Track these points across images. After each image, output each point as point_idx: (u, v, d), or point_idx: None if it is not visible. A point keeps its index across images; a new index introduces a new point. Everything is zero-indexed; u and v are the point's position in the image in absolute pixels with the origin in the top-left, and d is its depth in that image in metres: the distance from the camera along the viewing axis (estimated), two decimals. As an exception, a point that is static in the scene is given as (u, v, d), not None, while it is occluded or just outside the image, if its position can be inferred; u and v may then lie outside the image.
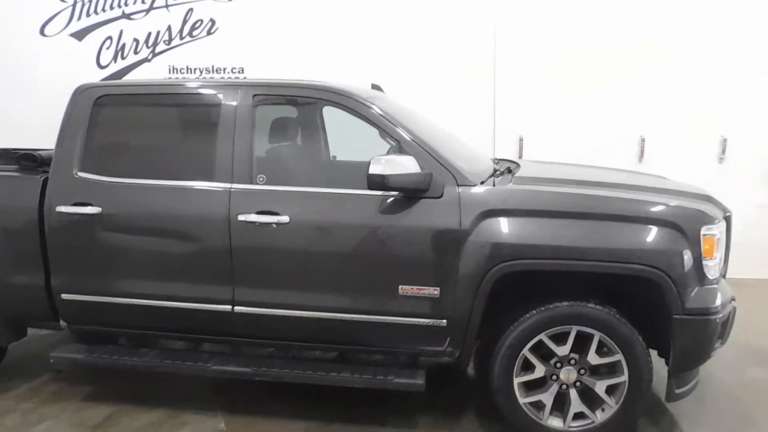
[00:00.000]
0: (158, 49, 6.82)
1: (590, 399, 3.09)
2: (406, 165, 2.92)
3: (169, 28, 6.75)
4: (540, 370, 3.08)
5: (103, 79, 6.92)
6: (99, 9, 6.85)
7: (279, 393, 3.75)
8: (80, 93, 3.48)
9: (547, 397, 3.10)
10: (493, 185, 3.12)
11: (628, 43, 6.00)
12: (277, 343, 3.41)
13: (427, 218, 3.02)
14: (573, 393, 3.08)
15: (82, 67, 6.92)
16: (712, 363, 3.79)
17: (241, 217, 3.13)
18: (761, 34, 5.90)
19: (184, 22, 6.71)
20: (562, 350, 3.03)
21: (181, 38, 6.75)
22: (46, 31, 6.94)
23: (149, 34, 6.80)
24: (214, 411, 3.56)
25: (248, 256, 3.18)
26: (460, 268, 2.99)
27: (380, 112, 3.18)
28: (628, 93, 6.00)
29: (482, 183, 3.14)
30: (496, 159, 3.91)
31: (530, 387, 3.14)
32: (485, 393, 3.30)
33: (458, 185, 3.04)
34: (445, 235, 3.00)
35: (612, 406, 3.06)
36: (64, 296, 3.41)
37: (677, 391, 3.09)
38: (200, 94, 3.51)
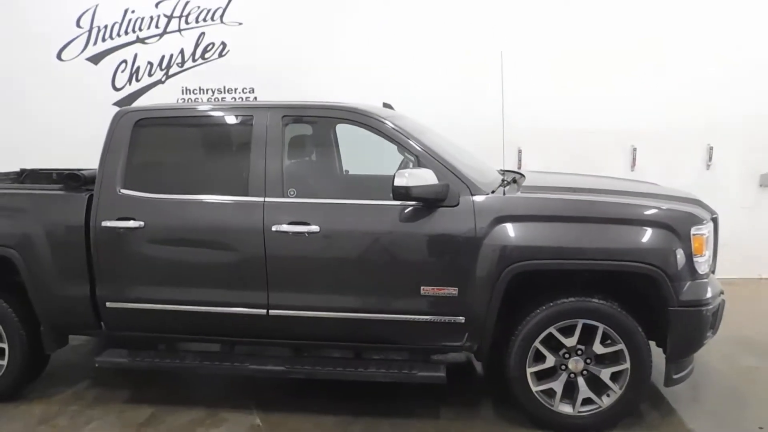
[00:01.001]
0: (171, 71, 7.14)
1: (596, 385, 3.40)
2: (426, 177, 3.24)
3: (182, 51, 7.08)
4: (551, 361, 3.39)
5: (118, 101, 7.25)
6: (114, 34, 7.17)
7: (309, 390, 4.05)
8: (121, 117, 3.77)
9: (558, 385, 3.41)
10: (504, 194, 3.45)
11: (621, 57, 6.36)
12: (308, 342, 3.69)
13: (445, 225, 3.34)
14: (581, 381, 3.39)
15: (97, 89, 7.23)
16: (706, 354, 4.16)
17: (274, 228, 3.43)
18: (749, 45, 6.28)
19: (197, 45, 7.05)
20: (570, 342, 3.35)
21: (194, 61, 7.08)
22: (63, 55, 7.26)
23: (163, 57, 7.13)
24: (248, 409, 3.83)
25: (282, 263, 3.47)
26: (477, 269, 3.31)
27: (401, 131, 3.51)
28: (620, 106, 6.36)
29: (493, 192, 3.46)
30: (502, 170, 4.24)
31: (541, 376, 3.44)
32: (500, 384, 3.60)
33: (472, 194, 3.37)
34: (461, 240, 3.32)
35: (616, 391, 3.37)
36: (108, 304, 3.69)
37: (675, 377, 3.41)
38: (233, 115, 3.81)
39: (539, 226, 3.31)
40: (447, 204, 3.34)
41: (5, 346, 3.85)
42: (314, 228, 3.41)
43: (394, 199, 3.29)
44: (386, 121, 3.54)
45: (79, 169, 3.95)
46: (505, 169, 4.27)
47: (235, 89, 7.02)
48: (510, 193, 3.47)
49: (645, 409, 3.71)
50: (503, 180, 3.82)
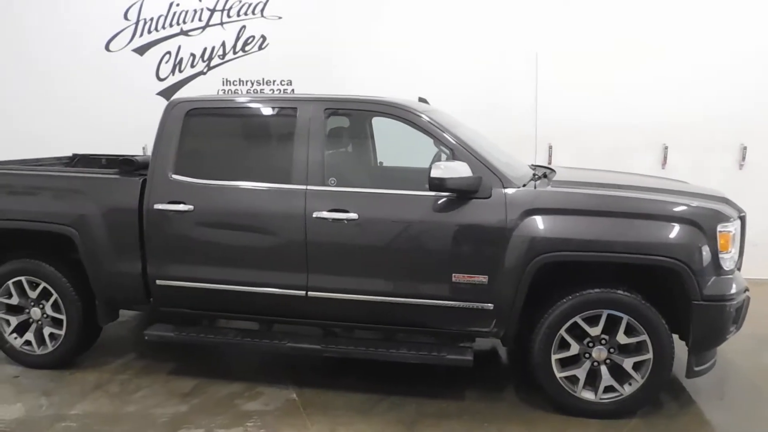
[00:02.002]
0: (213, 63, 7.40)
1: (618, 374, 3.54)
2: (460, 170, 3.41)
3: (223, 44, 7.33)
4: (575, 349, 3.54)
5: (161, 91, 7.55)
6: (159, 26, 7.45)
7: (339, 369, 4.28)
8: (173, 106, 4.01)
9: (581, 372, 3.56)
10: (535, 187, 3.60)
11: (654, 54, 6.40)
12: (343, 324, 3.89)
13: (477, 216, 3.51)
14: (604, 369, 3.54)
15: (142, 79, 7.53)
16: (729, 350, 4.24)
17: (315, 214, 3.64)
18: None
19: (238, 38, 7.29)
20: (595, 331, 3.50)
21: (235, 53, 7.33)
22: (111, 46, 7.57)
23: (205, 50, 7.39)
24: (284, 384, 4.06)
25: (321, 247, 3.68)
26: (506, 258, 3.47)
27: (437, 125, 3.68)
28: (651, 104, 6.40)
29: (524, 186, 3.61)
30: (533, 165, 4.38)
31: (565, 363, 3.59)
32: (524, 370, 3.77)
33: (504, 187, 3.53)
34: (493, 231, 3.48)
35: (638, 380, 3.51)
36: (158, 282, 3.94)
37: (696, 369, 3.53)
38: (278, 107, 4.02)
39: (568, 219, 3.45)
40: (480, 196, 3.51)
41: (63, 317, 4.14)
42: (353, 215, 3.60)
43: (430, 189, 3.47)
44: (423, 116, 3.71)
45: (132, 155, 4.21)
46: (537, 164, 4.40)
47: (274, 81, 7.25)
48: (541, 187, 3.62)
49: (665, 399, 3.83)
50: (534, 174, 3.96)
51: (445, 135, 3.66)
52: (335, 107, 3.87)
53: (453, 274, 3.56)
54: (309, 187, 3.70)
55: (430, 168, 3.42)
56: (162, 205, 3.86)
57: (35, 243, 4.35)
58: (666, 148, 6.39)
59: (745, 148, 6.29)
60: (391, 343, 3.86)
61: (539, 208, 3.46)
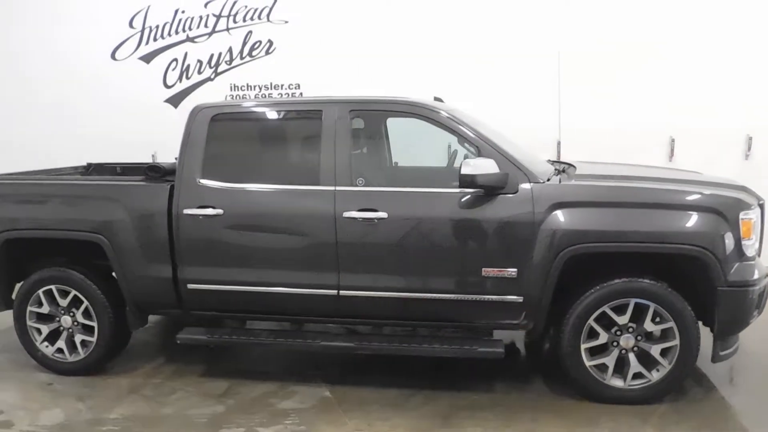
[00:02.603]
0: (220, 69, 7.46)
1: (646, 361, 3.64)
2: (488, 167, 3.50)
3: (230, 50, 7.40)
4: (603, 338, 3.63)
5: (169, 98, 7.60)
6: (165, 34, 7.51)
7: (367, 366, 4.35)
8: (198, 112, 4.07)
9: (610, 360, 3.65)
10: (559, 182, 3.69)
11: (658, 50, 6.51)
12: (375, 321, 3.97)
13: (505, 211, 3.60)
14: (632, 356, 3.63)
15: (149, 87, 7.59)
16: (748, 338, 4.34)
17: (345, 214, 3.72)
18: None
19: (244, 43, 7.35)
20: (622, 319, 3.59)
21: (242, 58, 7.39)
22: (117, 55, 7.62)
23: (212, 56, 7.45)
24: (316, 382, 4.13)
25: (352, 247, 3.75)
26: (534, 252, 3.56)
27: (464, 125, 3.76)
28: (658, 95, 6.52)
29: (548, 180, 3.71)
30: (551, 161, 4.47)
31: (593, 352, 3.69)
32: (550, 360, 3.86)
33: (530, 182, 3.62)
34: (521, 225, 3.57)
35: (666, 366, 3.60)
36: (189, 286, 4.00)
37: (721, 353, 3.64)
38: (303, 110, 4.10)
39: (594, 211, 3.55)
40: (507, 191, 3.60)
41: (94, 324, 4.19)
42: (382, 214, 3.68)
43: (461, 186, 3.56)
44: (451, 116, 3.79)
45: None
46: (553, 160, 4.49)
47: (282, 85, 7.32)
48: (566, 181, 3.71)
49: (688, 385, 3.93)
50: (555, 169, 4.06)
51: (471, 134, 3.74)
52: (360, 108, 3.94)
53: (483, 269, 3.64)
54: (338, 188, 3.77)
55: (460, 166, 3.50)
56: (191, 210, 3.92)
57: (63, 251, 4.41)
58: (673, 140, 6.50)
59: (750, 138, 6.42)
60: (424, 338, 3.94)
61: (566, 201, 3.56)
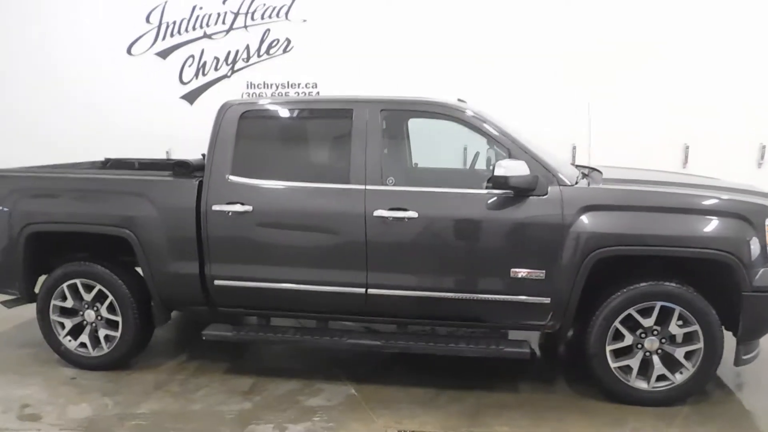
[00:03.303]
0: (237, 66, 7.49)
1: (670, 363, 3.68)
2: (520, 169, 3.54)
3: (247, 47, 7.43)
4: (629, 339, 3.67)
5: (185, 95, 7.62)
6: (182, 30, 7.53)
7: (391, 364, 4.38)
8: (227, 109, 4.09)
9: (635, 362, 3.70)
10: (588, 185, 3.73)
11: (674, 55, 6.58)
12: (402, 320, 4.00)
13: (534, 213, 3.63)
14: (656, 359, 3.68)
15: (165, 83, 7.62)
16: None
17: (376, 213, 3.74)
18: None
19: (262, 41, 7.39)
20: (648, 322, 3.64)
21: (259, 56, 7.42)
22: (133, 50, 7.64)
23: (229, 53, 7.48)
24: (340, 380, 4.16)
25: (381, 245, 3.78)
26: (563, 254, 3.60)
27: (495, 127, 3.80)
28: (672, 104, 6.58)
29: (576, 183, 3.75)
30: (574, 164, 4.51)
31: (618, 354, 3.73)
32: (574, 361, 3.89)
33: (559, 185, 3.66)
34: (550, 227, 3.61)
35: (690, 369, 3.65)
36: (217, 282, 4.03)
37: (744, 357, 3.68)
38: (333, 108, 4.12)
39: (623, 215, 3.59)
40: (536, 193, 3.63)
41: (119, 319, 4.21)
42: (413, 214, 3.71)
43: (494, 187, 3.60)
44: (481, 118, 3.83)
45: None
46: (577, 164, 4.53)
47: (299, 84, 7.35)
48: (594, 185, 3.75)
49: (710, 388, 3.97)
50: (582, 173, 4.10)
51: (502, 136, 3.78)
52: (393, 108, 3.97)
53: (511, 269, 3.68)
54: (368, 187, 3.80)
55: (493, 167, 3.53)
56: (220, 206, 3.94)
57: (86, 245, 4.43)
58: (687, 147, 6.56)
59: (764, 147, 6.48)
60: (450, 337, 3.98)
61: (595, 204, 3.60)
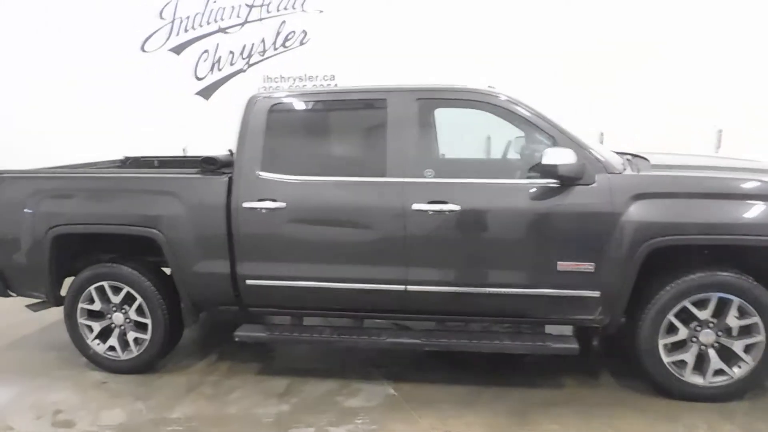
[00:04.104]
0: (253, 60, 7.35)
1: (727, 357, 3.52)
2: (568, 157, 3.37)
3: (263, 40, 7.29)
4: (683, 333, 3.51)
5: (200, 90, 7.48)
6: (196, 25, 7.40)
7: (429, 363, 4.24)
8: (255, 102, 3.94)
9: (690, 357, 3.54)
10: (638, 172, 3.56)
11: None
12: (444, 317, 3.85)
13: (582, 203, 3.47)
14: (712, 352, 3.51)
15: (180, 79, 7.49)
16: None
17: (415, 206, 3.59)
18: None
19: (278, 33, 7.24)
20: (704, 315, 3.47)
21: (275, 49, 7.28)
22: (146, 47, 7.51)
23: (244, 47, 7.34)
24: (378, 380, 4.02)
25: (421, 240, 3.63)
26: (613, 245, 3.44)
27: (537, 114, 3.62)
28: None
29: (624, 171, 3.58)
30: (616, 152, 4.33)
31: (671, 348, 3.57)
32: (618, 356, 3.74)
33: (608, 173, 3.49)
34: (599, 217, 3.45)
35: (749, 363, 3.48)
36: (248, 282, 3.89)
37: (803, 348, 3.51)
38: (366, 98, 3.95)
39: (677, 202, 3.42)
40: (584, 182, 3.47)
41: (148, 321, 4.08)
42: (454, 206, 3.56)
43: (542, 177, 3.44)
44: (525, 106, 3.66)
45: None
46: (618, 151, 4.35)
47: (316, 76, 7.20)
48: (643, 172, 3.58)
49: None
50: (627, 160, 3.93)
51: (546, 124, 3.61)
52: (427, 97, 3.81)
53: (558, 263, 3.52)
54: (406, 179, 3.65)
55: (542, 155, 3.38)
56: (252, 203, 3.79)
57: (112, 246, 4.30)
58: (720, 132, 6.36)
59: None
60: (494, 334, 3.83)
61: (647, 192, 3.43)
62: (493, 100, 3.69)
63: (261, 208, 3.78)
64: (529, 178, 3.63)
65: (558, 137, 3.56)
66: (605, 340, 4.21)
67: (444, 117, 4.70)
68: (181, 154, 6.94)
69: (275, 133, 3.90)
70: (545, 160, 3.34)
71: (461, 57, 6.64)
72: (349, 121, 4.11)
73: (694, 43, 6.43)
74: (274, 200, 3.77)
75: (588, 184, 3.47)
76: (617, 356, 4.16)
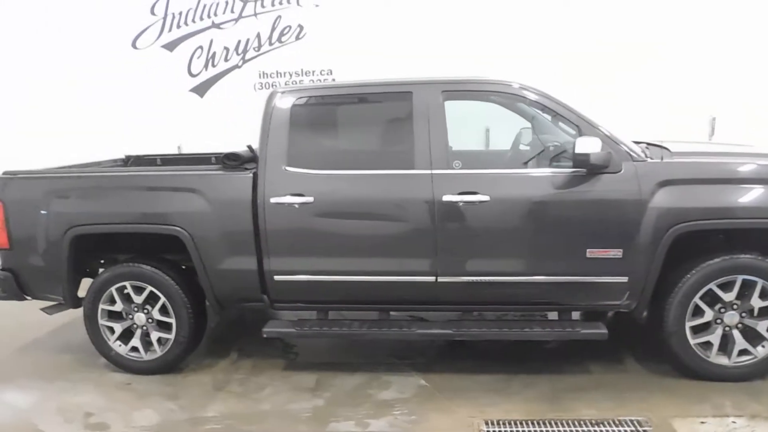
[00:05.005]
0: (248, 55, 7.25)
1: (751, 337, 3.63)
2: (596, 145, 3.44)
3: (258, 36, 7.19)
4: (708, 315, 3.62)
5: (194, 87, 7.37)
6: (189, 20, 7.26)
7: (452, 353, 4.28)
8: (277, 97, 3.91)
9: (715, 338, 3.64)
10: (662, 159, 3.65)
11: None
12: (474, 307, 3.89)
13: (610, 191, 3.55)
14: (736, 333, 3.63)
15: (173, 76, 7.34)
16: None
17: (445, 198, 3.62)
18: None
19: (273, 28, 7.15)
20: (729, 297, 3.58)
21: (271, 44, 7.19)
22: (138, 44, 7.34)
23: (239, 42, 7.23)
24: (406, 371, 4.04)
25: (452, 231, 3.66)
26: (641, 231, 3.52)
27: (563, 104, 3.68)
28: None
29: (648, 159, 3.66)
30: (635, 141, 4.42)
31: (696, 330, 3.67)
32: (642, 339, 3.86)
33: (634, 161, 3.57)
34: (626, 205, 3.53)
35: (773, 342, 3.61)
36: (276, 278, 3.86)
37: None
38: (391, 91, 3.96)
39: (702, 188, 3.52)
40: (610, 171, 3.54)
41: (173, 321, 4.03)
42: (484, 197, 3.60)
43: (574, 166, 3.50)
44: (548, 96, 3.71)
45: (237, 151, 4.08)
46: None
47: (313, 71, 7.14)
48: (668, 159, 3.67)
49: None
50: (647, 148, 4.02)
51: (572, 113, 3.67)
52: (452, 89, 3.83)
53: (587, 250, 3.59)
54: (434, 171, 3.67)
55: (573, 144, 3.43)
56: (279, 198, 3.77)
57: (131, 245, 4.24)
58: (714, 119, 6.53)
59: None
60: (523, 322, 3.89)
61: (674, 179, 3.52)
62: (523, 93, 3.73)
63: (289, 203, 3.76)
64: (553, 167, 3.69)
65: (583, 126, 3.62)
66: (625, 325, 4.32)
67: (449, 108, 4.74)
68: (176, 151, 6.86)
69: (300, 128, 3.88)
70: (578, 149, 3.40)
71: (459, 58, 6.59)
72: (374, 114, 4.11)
73: (693, 44, 6.55)
74: (301, 195, 3.75)
75: (615, 172, 3.54)
76: (637, 341, 4.26)
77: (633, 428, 3.24)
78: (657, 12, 6.58)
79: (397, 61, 6.64)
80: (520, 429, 3.28)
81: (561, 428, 3.27)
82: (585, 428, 3.25)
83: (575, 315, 4.03)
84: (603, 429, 3.24)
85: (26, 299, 4.25)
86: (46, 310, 4.27)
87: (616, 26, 6.64)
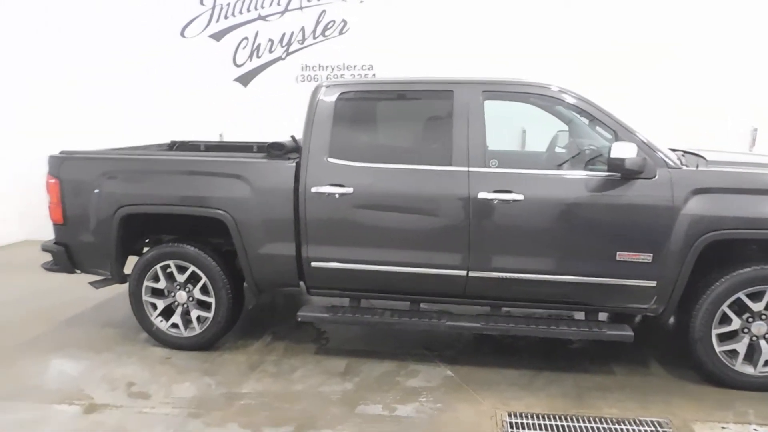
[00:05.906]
0: (292, 48, 7.44)
1: (772, 347, 3.67)
2: (632, 151, 3.50)
3: (302, 29, 7.37)
4: (736, 323, 3.66)
5: (238, 77, 7.58)
6: (236, 11, 7.47)
7: (479, 347, 4.39)
8: (323, 91, 4.06)
9: (741, 347, 3.68)
10: (697, 167, 3.70)
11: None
12: (503, 303, 3.99)
13: (643, 196, 3.60)
14: (763, 343, 3.66)
15: (219, 65, 7.57)
16: None
17: (480, 195, 3.73)
18: None
19: (317, 22, 7.32)
20: (758, 306, 3.62)
21: (314, 38, 7.36)
22: (186, 33, 7.59)
23: (284, 35, 7.42)
24: (433, 362, 4.17)
25: (485, 228, 3.76)
26: (672, 237, 3.58)
27: (600, 109, 3.75)
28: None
29: (683, 166, 3.71)
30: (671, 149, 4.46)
31: (722, 338, 3.72)
32: (666, 344, 3.87)
33: (668, 168, 3.62)
34: (659, 210, 3.59)
35: (799, 354, 3.64)
36: (314, 264, 4.02)
37: None
38: (432, 89, 4.07)
39: (737, 198, 3.55)
40: (644, 176, 3.60)
41: (212, 300, 4.23)
42: (518, 196, 3.69)
43: (609, 170, 3.57)
44: (586, 100, 3.78)
45: (279, 141, 4.25)
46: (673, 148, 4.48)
47: (354, 66, 7.29)
48: (703, 167, 3.72)
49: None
50: (683, 156, 4.06)
51: (609, 118, 3.74)
52: (492, 90, 3.93)
53: (618, 253, 3.66)
54: (471, 169, 3.78)
55: (609, 149, 3.51)
56: (320, 188, 3.92)
57: (175, 227, 4.44)
58: (755, 130, 6.48)
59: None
60: (550, 320, 3.97)
61: (706, 187, 3.56)
62: (562, 96, 3.81)
63: (329, 193, 3.91)
64: (588, 170, 3.76)
65: (620, 132, 3.69)
66: (652, 329, 4.37)
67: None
68: (217, 139, 7.09)
69: (343, 121, 4.02)
70: (613, 154, 3.47)
71: (475, 57, 6.71)
72: (415, 111, 4.24)
73: (708, 45, 6.54)
74: (342, 185, 3.90)
75: (650, 178, 3.60)
76: (662, 346, 4.31)
77: (653, 429, 3.31)
78: (672, 12, 6.60)
79: (410, 63, 6.75)
80: (542, 422, 3.37)
81: (582, 424, 3.36)
82: (606, 425, 3.34)
83: (602, 316, 4.11)
84: (624, 428, 3.32)
85: (75, 272, 4.49)
86: (94, 284, 4.51)
87: (632, 26, 6.68)
